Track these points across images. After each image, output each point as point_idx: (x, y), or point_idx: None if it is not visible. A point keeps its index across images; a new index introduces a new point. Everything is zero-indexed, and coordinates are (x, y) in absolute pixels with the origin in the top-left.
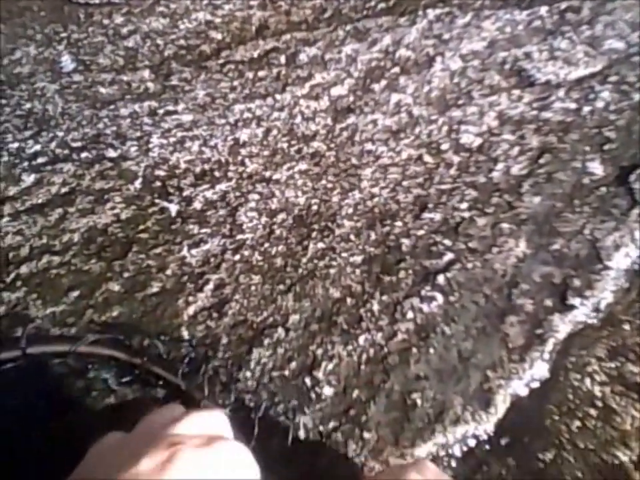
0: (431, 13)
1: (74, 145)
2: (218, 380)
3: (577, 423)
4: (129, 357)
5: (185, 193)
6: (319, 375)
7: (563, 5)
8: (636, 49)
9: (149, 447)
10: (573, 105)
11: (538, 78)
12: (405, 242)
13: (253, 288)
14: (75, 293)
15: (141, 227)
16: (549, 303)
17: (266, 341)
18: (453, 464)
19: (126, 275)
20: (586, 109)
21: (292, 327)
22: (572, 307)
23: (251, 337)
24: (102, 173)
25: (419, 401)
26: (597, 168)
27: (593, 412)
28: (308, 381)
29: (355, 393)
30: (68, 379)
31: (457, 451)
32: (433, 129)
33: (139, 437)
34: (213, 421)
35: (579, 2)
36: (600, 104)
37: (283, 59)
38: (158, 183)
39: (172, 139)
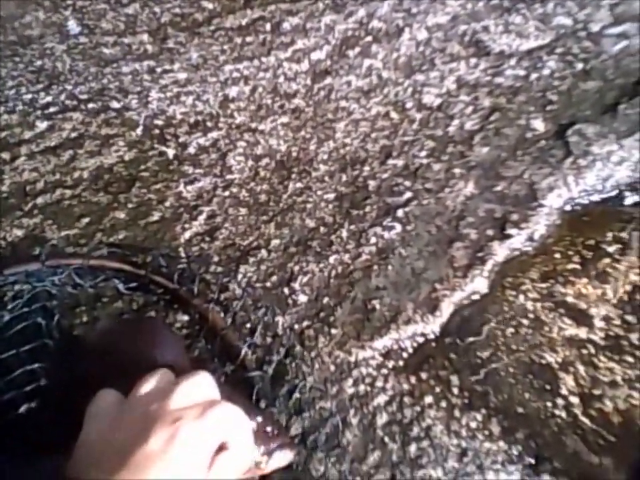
0: None
1: (81, 97)
2: (210, 289)
3: (511, 330)
4: (135, 268)
5: (181, 140)
6: (295, 285)
7: None
8: (581, 25)
9: (152, 426)
10: (522, 72)
11: (493, 48)
12: (371, 183)
13: (240, 218)
14: (86, 220)
15: (142, 167)
16: (490, 232)
17: (251, 260)
18: (405, 355)
19: (130, 205)
20: (533, 75)
21: (273, 249)
22: (509, 236)
23: (238, 256)
24: (107, 121)
25: (377, 306)
26: (539, 125)
27: (525, 322)
28: (286, 290)
29: (325, 300)
30: (82, 290)
31: (408, 345)
32: (399, 90)
33: (137, 415)
34: (201, 386)
35: None
36: (546, 72)
37: (268, 26)
38: (157, 131)
39: (169, 94)
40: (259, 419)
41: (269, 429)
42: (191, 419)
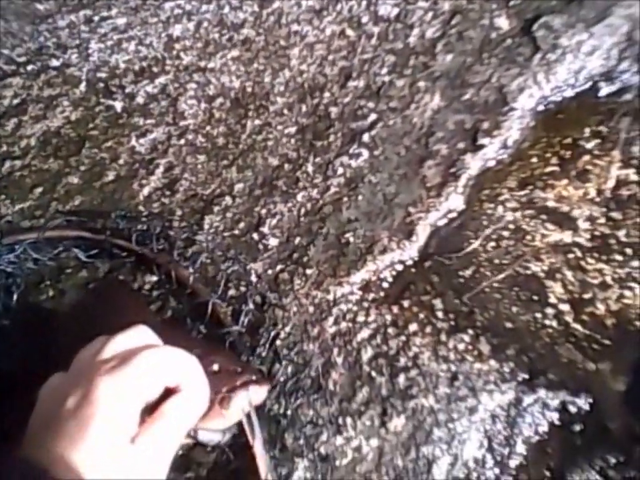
0: None
1: (19, 60)
2: (176, 245)
3: (492, 244)
4: (93, 234)
5: (127, 90)
6: (265, 230)
7: None
8: None
9: (72, 386)
10: None
11: None
12: (333, 110)
13: (199, 166)
14: (39, 190)
15: (91, 125)
16: (461, 145)
17: (216, 209)
18: (385, 285)
19: (82, 168)
20: None
21: (237, 194)
22: (482, 147)
23: (202, 207)
24: (48, 82)
25: (351, 239)
26: (503, 22)
27: (506, 234)
28: (255, 236)
29: (297, 240)
30: (42, 264)
31: (387, 275)
32: (353, 4)
33: (70, 378)
34: (134, 338)
35: None
36: None
37: None
38: (101, 84)
39: (109, 43)
40: (218, 359)
41: (231, 367)
42: (107, 371)
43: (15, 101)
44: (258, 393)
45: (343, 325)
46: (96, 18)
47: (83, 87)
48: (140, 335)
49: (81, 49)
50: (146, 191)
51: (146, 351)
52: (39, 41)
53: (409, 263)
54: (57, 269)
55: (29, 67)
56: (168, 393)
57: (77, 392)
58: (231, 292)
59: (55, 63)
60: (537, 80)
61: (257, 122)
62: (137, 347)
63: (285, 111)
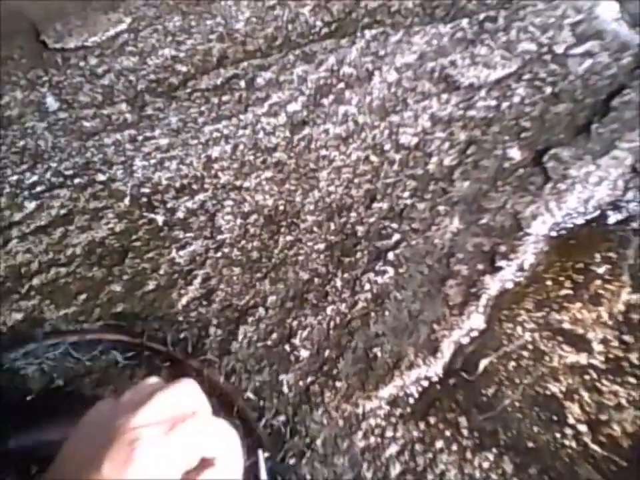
0: (368, 33)
1: (67, 172)
2: (212, 353)
3: (513, 364)
4: (131, 338)
5: (169, 205)
6: (296, 341)
7: (482, 16)
8: (546, 49)
9: (110, 446)
10: (494, 102)
11: (462, 82)
12: (360, 228)
13: (234, 278)
14: (83, 296)
15: (134, 237)
16: (480, 267)
17: (250, 319)
18: (411, 401)
19: (125, 277)
20: (504, 104)
21: (270, 306)
22: (500, 269)
23: (236, 317)
24: (94, 195)
25: (379, 354)
26: (515, 153)
27: (525, 354)
28: (287, 347)
29: (327, 353)
30: (79, 363)
31: (413, 391)
32: (376, 133)
33: (107, 428)
34: (181, 396)
35: (495, 12)
36: (516, 99)
37: (242, 83)
38: (144, 199)
39: (152, 161)
40: None
41: None
42: (151, 440)
43: (62, 212)
44: None
45: (372, 439)
46: (140, 137)
47: (127, 200)
48: (189, 390)
49: (126, 165)
50: (184, 300)
51: (191, 420)
52: (85, 156)
53: (435, 379)
54: (94, 369)
55: (76, 180)
56: (204, 461)
57: (114, 456)
58: (265, 401)
59: (101, 177)
60: (549, 207)
61: (289, 238)
62: (182, 413)
63: (315, 229)
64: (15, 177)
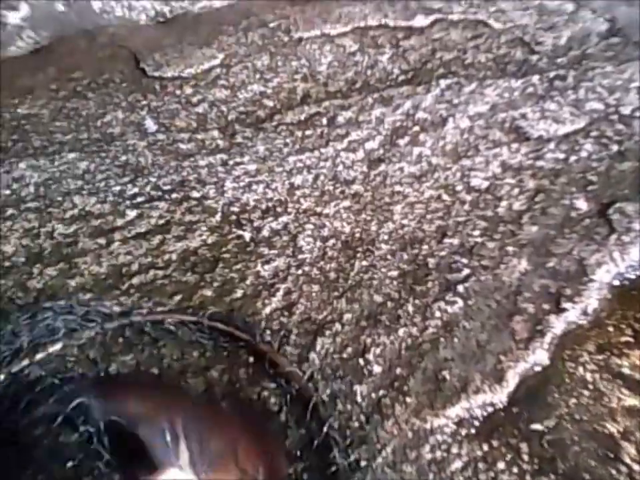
0: (443, 83)
1: (165, 187)
2: (291, 358)
3: (573, 400)
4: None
5: (255, 224)
6: (370, 357)
7: (552, 74)
8: (613, 109)
9: None
10: (562, 155)
11: (532, 134)
12: (431, 261)
13: (313, 294)
14: (177, 297)
15: (224, 249)
16: (546, 306)
17: (327, 333)
18: (476, 423)
19: (215, 284)
20: (572, 158)
21: (346, 322)
22: (565, 310)
23: (315, 329)
24: (189, 209)
25: (447, 376)
26: (582, 204)
27: (586, 392)
28: (361, 361)
29: (398, 371)
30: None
31: (479, 414)
32: (449, 174)
33: None
34: None
35: (564, 71)
36: (584, 154)
37: (324, 120)
38: (233, 217)
39: (241, 183)
40: None
41: None
42: None
43: (160, 221)
44: None
45: (438, 453)
46: (230, 162)
47: (218, 217)
48: None
49: (218, 185)
50: (267, 309)
51: None
52: (181, 174)
53: (499, 406)
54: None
55: (173, 195)
56: None
57: None
58: (340, 407)
59: (195, 194)
60: (613, 257)
61: (364, 263)
62: None
63: (389, 257)
64: (118, 188)
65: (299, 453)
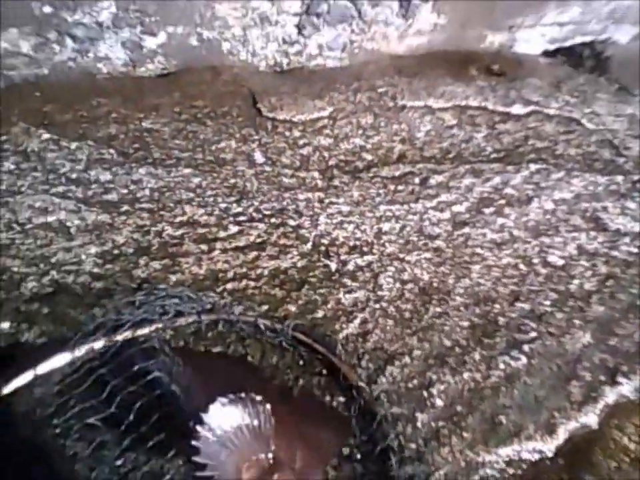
0: (533, 167)
1: (265, 212)
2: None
3: (614, 464)
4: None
5: (342, 257)
6: (433, 391)
7: (636, 177)
8: None
9: None
10: (635, 250)
11: (610, 226)
12: (501, 319)
13: (387, 327)
14: (265, 307)
15: (311, 274)
16: (602, 378)
17: (396, 363)
18: (524, 466)
19: (299, 302)
20: None
21: (415, 357)
22: (619, 384)
23: (385, 358)
24: (285, 234)
25: (503, 421)
26: None
27: (626, 460)
28: (425, 393)
29: (458, 408)
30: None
31: (528, 458)
32: (527, 247)
33: None
34: None
35: None
36: None
37: (416, 180)
38: (323, 248)
39: (334, 221)
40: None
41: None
42: None
43: (258, 240)
44: None
45: None
46: (326, 201)
47: (309, 245)
48: None
49: (313, 219)
50: (344, 333)
51: None
52: (282, 203)
53: (547, 454)
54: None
55: (272, 220)
56: None
57: None
58: (400, 428)
59: (291, 222)
60: None
61: (438, 309)
62: None
63: (462, 309)
64: (224, 205)
65: (359, 457)
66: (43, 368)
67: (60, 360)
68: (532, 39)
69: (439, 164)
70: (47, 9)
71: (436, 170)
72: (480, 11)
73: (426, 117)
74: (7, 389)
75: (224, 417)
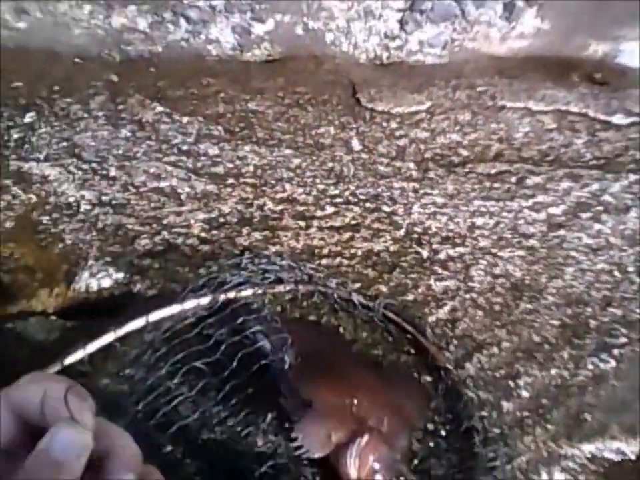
0: (632, 177)
1: (360, 196)
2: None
3: None
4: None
5: (434, 247)
6: (520, 382)
7: None
8: None
9: None
10: None
11: None
12: (592, 322)
13: (477, 317)
14: (357, 285)
15: (402, 259)
16: None
17: (484, 352)
18: (606, 465)
19: (391, 283)
20: None
21: (503, 348)
22: None
23: (473, 346)
24: (378, 219)
25: (588, 418)
26: None
27: None
28: (511, 383)
29: (544, 401)
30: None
31: (611, 457)
32: (623, 255)
33: None
34: None
35: None
36: None
37: (513, 179)
38: (415, 235)
39: (427, 211)
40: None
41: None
42: None
43: (352, 222)
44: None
45: (567, 476)
46: (421, 191)
47: (402, 231)
48: None
49: (406, 207)
50: (433, 317)
51: None
52: (377, 190)
53: (629, 457)
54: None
55: (367, 204)
56: None
57: None
58: (486, 413)
59: (385, 208)
60: None
61: (528, 306)
62: None
63: (552, 307)
64: (322, 186)
65: (443, 434)
66: (154, 316)
67: (169, 310)
68: (637, 52)
69: (536, 165)
70: None
71: (533, 171)
72: (585, 19)
73: (525, 119)
74: (121, 332)
75: None
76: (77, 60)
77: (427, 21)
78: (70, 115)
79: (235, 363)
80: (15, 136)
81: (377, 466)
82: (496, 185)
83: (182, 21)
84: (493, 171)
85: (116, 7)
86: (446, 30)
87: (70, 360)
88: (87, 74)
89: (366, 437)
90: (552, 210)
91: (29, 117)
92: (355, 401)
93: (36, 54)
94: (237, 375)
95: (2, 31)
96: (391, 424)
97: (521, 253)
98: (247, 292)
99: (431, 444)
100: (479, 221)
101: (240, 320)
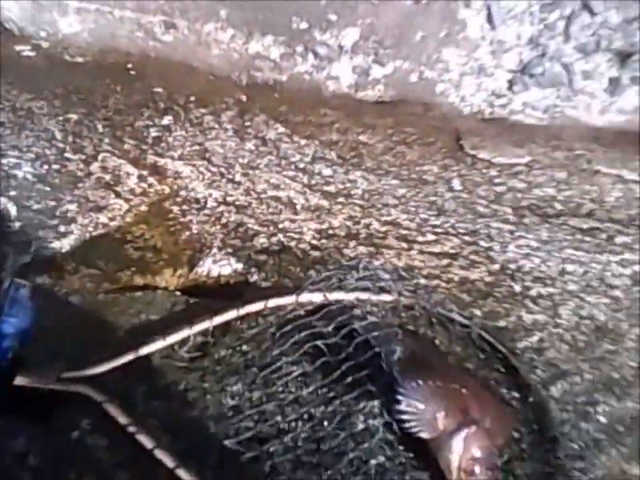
0: None
1: (459, 230)
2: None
3: None
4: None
5: (526, 283)
6: (599, 409)
7: None
8: None
9: None
10: None
11: None
12: None
13: (562, 350)
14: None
15: (496, 290)
16: None
17: (567, 380)
18: None
19: (484, 309)
20: None
21: (585, 379)
22: None
23: (557, 374)
24: (476, 252)
25: None
26: None
27: None
28: (591, 409)
29: (620, 428)
30: None
31: None
32: None
33: None
34: None
35: None
36: None
37: (603, 235)
38: (509, 271)
39: (522, 251)
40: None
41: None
42: None
43: (451, 251)
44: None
45: None
46: (516, 234)
47: (497, 266)
48: None
49: (502, 245)
50: (522, 344)
51: None
52: (475, 227)
53: None
54: None
55: (465, 237)
56: None
57: None
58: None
59: (482, 243)
60: None
61: (610, 347)
62: None
63: (632, 351)
64: (424, 216)
65: (525, 447)
66: (272, 303)
67: (286, 300)
68: None
69: (625, 227)
70: (303, 25)
71: (622, 231)
72: None
73: (617, 185)
74: (243, 311)
75: None
76: (210, 77)
77: (535, 85)
78: (203, 124)
79: (350, 348)
80: (153, 134)
81: (478, 454)
82: (587, 238)
83: (310, 56)
84: (584, 226)
85: (255, 35)
86: (550, 95)
87: (196, 328)
88: (219, 91)
89: (473, 428)
90: (637, 268)
91: (166, 120)
92: (464, 391)
93: (175, 66)
94: (349, 359)
95: (149, 42)
96: (493, 423)
97: (606, 300)
98: (355, 294)
99: (516, 448)
100: (569, 267)
101: (347, 315)
